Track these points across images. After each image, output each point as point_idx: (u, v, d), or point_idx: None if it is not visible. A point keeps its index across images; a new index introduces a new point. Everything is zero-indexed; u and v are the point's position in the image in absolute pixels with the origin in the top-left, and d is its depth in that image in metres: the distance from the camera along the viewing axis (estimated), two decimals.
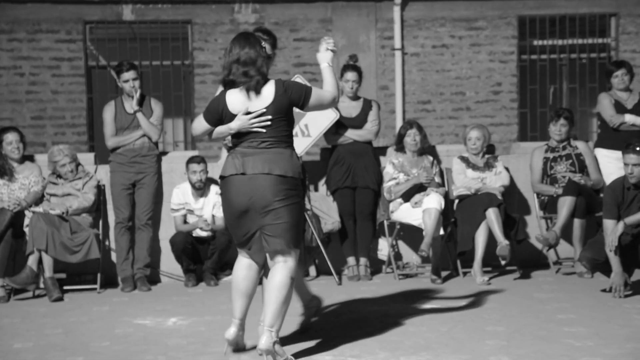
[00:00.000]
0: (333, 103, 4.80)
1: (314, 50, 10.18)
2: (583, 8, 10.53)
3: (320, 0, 10.32)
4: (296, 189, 4.61)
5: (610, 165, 7.63)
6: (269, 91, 4.58)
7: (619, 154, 7.28)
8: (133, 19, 10.26)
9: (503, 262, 7.19)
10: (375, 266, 7.82)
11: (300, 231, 4.73)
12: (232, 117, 4.58)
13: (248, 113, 4.56)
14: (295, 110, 4.75)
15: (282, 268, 4.56)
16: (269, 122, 4.55)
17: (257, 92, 4.56)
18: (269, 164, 4.51)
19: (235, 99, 4.60)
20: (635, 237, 6.42)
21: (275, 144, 4.58)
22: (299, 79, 7.59)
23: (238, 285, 4.72)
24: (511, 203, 7.99)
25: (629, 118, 7.70)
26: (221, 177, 4.65)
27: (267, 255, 4.63)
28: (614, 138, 7.68)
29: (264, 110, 4.56)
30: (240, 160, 4.55)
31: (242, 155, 4.57)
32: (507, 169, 7.77)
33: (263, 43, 4.90)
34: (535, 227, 7.78)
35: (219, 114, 4.64)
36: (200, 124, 4.76)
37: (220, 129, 4.67)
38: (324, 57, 4.84)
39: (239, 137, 4.62)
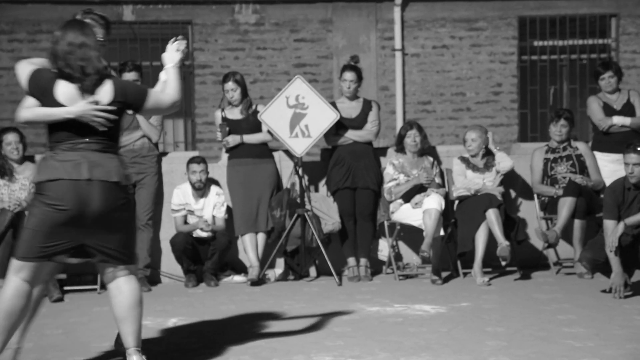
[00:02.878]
0: (172, 107, 4.32)
1: (314, 50, 10.31)
2: (583, 9, 10.54)
3: (320, 1, 10.32)
4: (129, 198, 4.23)
5: (606, 169, 7.64)
6: (106, 91, 4.09)
7: (613, 156, 7.32)
8: (133, 19, 10.27)
9: (503, 263, 7.20)
10: (376, 267, 7.83)
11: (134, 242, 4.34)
12: (55, 105, 4.02)
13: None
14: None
15: (130, 281, 4.19)
16: (111, 117, 4.06)
17: (92, 93, 4.05)
18: (104, 169, 4.03)
19: (68, 91, 4.06)
20: (635, 237, 6.43)
21: (107, 147, 4.10)
22: (299, 79, 7.60)
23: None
24: (511, 204, 8.01)
25: (617, 120, 7.71)
26: (38, 183, 4.04)
27: (101, 269, 4.20)
28: (606, 141, 7.71)
29: (111, 107, 4.08)
30: (69, 163, 3.99)
31: (67, 156, 4.02)
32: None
33: (97, 28, 4.41)
34: (535, 228, 7.77)
35: (40, 92, 4.08)
36: (27, 100, 4.16)
37: (49, 112, 4.03)
38: (172, 57, 4.39)
39: (59, 132, 4.06)
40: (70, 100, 4.02)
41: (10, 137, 7.34)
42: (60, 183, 3.95)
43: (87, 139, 4.05)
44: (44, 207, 3.96)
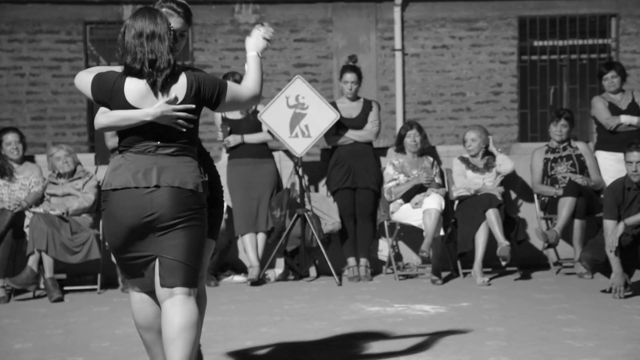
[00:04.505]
0: (252, 101, 3.87)
1: (314, 50, 10.31)
2: (583, 9, 10.53)
3: (320, 1, 10.32)
4: (202, 206, 3.68)
5: (611, 168, 7.63)
6: (180, 86, 3.64)
7: (619, 155, 7.30)
8: None
9: (503, 263, 7.20)
10: (376, 267, 7.84)
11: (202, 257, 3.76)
12: (124, 106, 3.59)
13: (173, 102, 3.62)
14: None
15: (186, 302, 3.62)
16: (191, 117, 3.64)
17: (164, 89, 3.60)
18: (176, 174, 3.60)
19: (137, 88, 3.61)
20: (635, 237, 6.43)
21: (182, 150, 3.66)
22: (299, 79, 7.61)
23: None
24: (511, 204, 8.01)
25: (624, 119, 7.71)
26: (104, 191, 3.66)
27: (159, 288, 3.63)
28: (612, 140, 7.70)
29: (190, 105, 3.65)
30: (135, 169, 3.59)
31: (136, 160, 3.62)
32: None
33: (175, 17, 3.86)
34: (535, 228, 7.78)
35: (107, 95, 3.63)
36: (100, 109, 3.72)
37: (126, 115, 3.59)
38: (255, 44, 3.90)
39: (130, 134, 3.65)
40: (140, 99, 3.59)
41: (10, 137, 7.35)
42: (125, 192, 3.56)
43: (159, 142, 3.62)
44: (109, 218, 3.62)
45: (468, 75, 10.54)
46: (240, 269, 7.78)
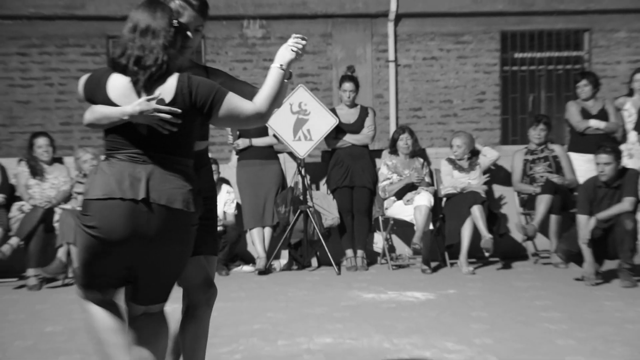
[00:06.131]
0: (254, 119, 3.03)
1: (316, 62, 10.31)
2: (559, 24, 10.54)
3: (321, 17, 10.32)
4: (188, 225, 3.00)
5: (581, 168, 7.66)
6: (168, 88, 2.94)
7: (588, 156, 7.33)
8: None
9: (486, 254, 7.22)
10: (371, 258, 7.85)
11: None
12: (105, 102, 2.97)
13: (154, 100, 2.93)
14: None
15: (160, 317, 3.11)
16: (177, 121, 2.92)
17: (147, 89, 2.94)
18: (164, 190, 2.91)
19: (120, 85, 2.96)
20: (605, 231, 6.45)
21: (173, 162, 2.97)
22: (302, 88, 7.63)
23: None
24: (494, 200, 8.03)
25: (593, 123, 7.73)
26: (86, 200, 2.96)
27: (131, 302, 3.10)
28: (583, 142, 7.72)
29: (175, 109, 2.93)
30: (120, 177, 2.91)
31: (122, 168, 2.93)
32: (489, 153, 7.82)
33: (189, 10, 3.19)
34: (515, 222, 7.79)
35: (92, 91, 3.01)
36: (92, 109, 3.01)
37: (105, 111, 2.94)
38: (282, 56, 3.14)
39: (117, 138, 2.98)
40: (121, 96, 2.94)
41: (41, 141, 7.38)
42: (108, 203, 2.89)
43: (149, 149, 2.95)
44: (87, 231, 2.94)
45: (455, 84, 10.54)
46: (249, 259, 7.81)
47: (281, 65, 3.10)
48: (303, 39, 3.16)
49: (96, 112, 2.96)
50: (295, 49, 3.14)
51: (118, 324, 3.05)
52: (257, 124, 3.08)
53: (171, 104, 2.92)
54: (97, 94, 2.97)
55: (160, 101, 2.92)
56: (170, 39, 2.96)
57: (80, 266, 3.06)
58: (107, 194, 2.88)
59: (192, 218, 2.98)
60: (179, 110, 2.91)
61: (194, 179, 3.02)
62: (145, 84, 2.93)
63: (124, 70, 2.95)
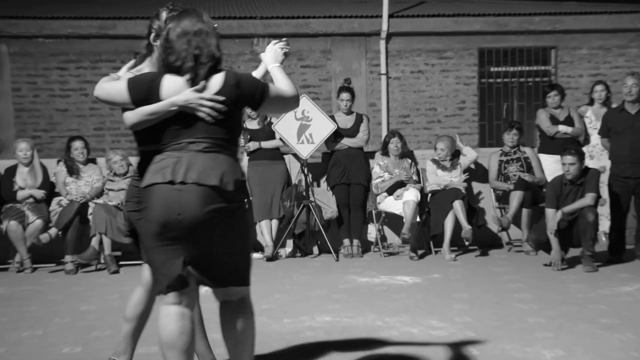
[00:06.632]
0: (294, 100, 2.96)
1: (317, 75, 10.30)
2: (529, 42, 10.54)
3: (321, 36, 10.31)
4: (237, 208, 2.77)
5: (550, 167, 7.64)
6: (216, 81, 2.81)
7: (556, 157, 7.31)
8: None
9: (467, 243, 7.20)
10: (365, 246, 7.84)
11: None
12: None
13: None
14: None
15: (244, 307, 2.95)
16: (220, 107, 2.78)
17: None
18: (204, 170, 2.71)
19: (173, 84, 2.80)
20: (570, 222, 6.44)
21: (217, 147, 2.79)
22: (305, 97, 7.60)
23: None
24: (473, 196, 8.01)
25: (561, 128, 7.72)
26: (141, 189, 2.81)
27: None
28: (551, 145, 7.70)
29: (221, 97, 2.79)
30: (165, 165, 2.75)
31: (168, 157, 2.78)
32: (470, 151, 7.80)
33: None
34: (492, 215, 7.78)
35: (145, 95, 2.81)
36: (130, 113, 2.85)
37: (152, 108, 2.78)
38: (274, 57, 3.15)
39: (167, 132, 2.81)
40: (176, 94, 2.78)
41: (77, 144, 7.37)
42: (154, 189, 2.72)
43: (194, 138, 2.78)
44: (144, 218, 2.76)
45: (439, 94, 10.53)
46: (258, 248, 7.79)
47: (280, 64, 3.12)
48: (287, 42, 3.23)
49: (141, 112, 2.80)
50: (286, 50, 3.19)
51: (185, 329, 2.77)
52: (294, 106, 3.01)
53: (219, 92, 2.79)
54: (151, 97, 2.79)
55: (203, 89, 2.79)
56: (219, 37, 2.88)
57: (155, 271, 2.81)
58: (153, 181, 2.72)
59: (231, 195, 2.71)
60: (223, 98, 2.78)
61: (238, 164, 2.84)
62: (202, 77, 2.79)
63: (177, 71, 2.80)
